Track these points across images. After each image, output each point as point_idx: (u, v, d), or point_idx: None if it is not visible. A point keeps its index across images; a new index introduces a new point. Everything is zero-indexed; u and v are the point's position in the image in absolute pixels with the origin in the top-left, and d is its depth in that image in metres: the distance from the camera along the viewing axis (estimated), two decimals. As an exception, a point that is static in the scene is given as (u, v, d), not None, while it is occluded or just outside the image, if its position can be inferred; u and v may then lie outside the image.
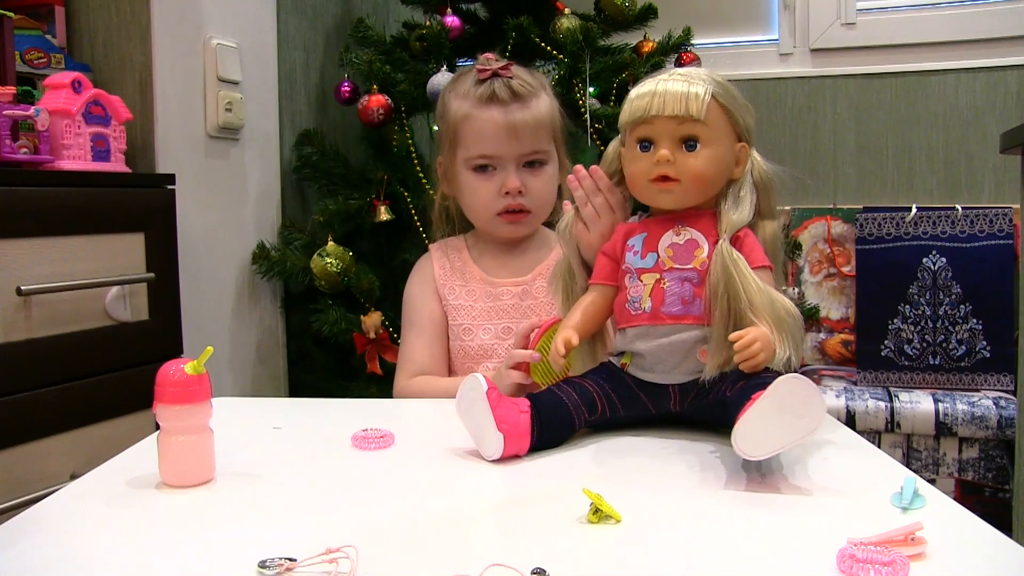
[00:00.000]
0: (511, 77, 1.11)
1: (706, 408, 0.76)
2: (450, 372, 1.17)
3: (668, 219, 0.79)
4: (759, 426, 0.61)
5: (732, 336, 0.70)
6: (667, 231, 0.78)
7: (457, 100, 1.14)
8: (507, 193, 1.10)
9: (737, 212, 0.77)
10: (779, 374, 0.70)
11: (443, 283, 1.16)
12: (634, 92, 0.79)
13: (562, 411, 0.74)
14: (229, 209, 1.77)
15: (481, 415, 0.70)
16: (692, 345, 0.75)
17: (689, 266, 0.75)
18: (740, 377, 0.71)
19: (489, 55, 1.18)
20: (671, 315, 0.75)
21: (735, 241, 0.76)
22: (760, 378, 0.69)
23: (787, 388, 0.61)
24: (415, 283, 1.20)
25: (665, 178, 0.77)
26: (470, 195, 1.14)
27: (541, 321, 0.99)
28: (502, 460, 0.70)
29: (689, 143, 0.76)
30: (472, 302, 1.14)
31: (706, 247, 0.76)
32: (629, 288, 0.78)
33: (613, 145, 0.87)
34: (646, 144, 0.78)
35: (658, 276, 0.76)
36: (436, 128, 1.27)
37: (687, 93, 0.75)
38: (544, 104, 1.13)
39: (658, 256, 0.77)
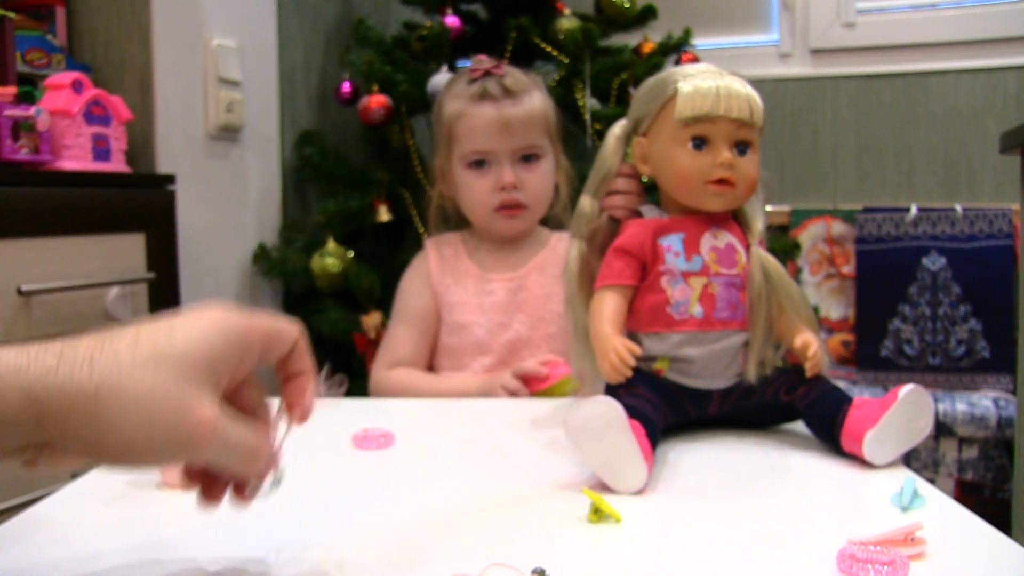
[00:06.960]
0: (503, 75, 1.13)
1: (749, 410, 0.76)
2: (435, 368, 1.17)
3: (702, 220, 0.77)
4: (889, 435, 0.66)
5: (798, 345, 0.73)
6: (703, 233, 0.76)
7: (451, 100, 1.15)
8: (502, 188, 1.11)
9: (759, 217, 0.78)
10: (825, 377, 0.74)
11: (439, 280, 1.17)
12: (690, 86, 0.74)
13: (652, 428, 0.69)
14: (230, 209, 1.77)
15: (622, 443, 0.62)
16: (738, 350, 0.75)
17: (734, 271, 0.75)
18: (795, 381, 0.73)
19: (482, 56, 1.19)
20: (721, 320, 0.74)
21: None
22: (822, 382, 0.73)
23: (912, 398, 0.66)
24: (410, 277, 1.21)
25: (723, 181, 0.75)
26: (466, 192, 1.15)
27: (549, 368, 1.00)
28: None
29: (741, 147, 0.75)
30: (467, 298, 1.15)
31: (743, 251, 0.76)
32: (671, 291, 0.75)
33: (617, 136, 0.80)
34: (699, 142, 0.75)
35: (706, 280, 0.74)
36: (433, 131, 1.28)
37: (749, 96, 0.74)
38: (537, 100, 1.14)
39: (703, 259, 0.75)
